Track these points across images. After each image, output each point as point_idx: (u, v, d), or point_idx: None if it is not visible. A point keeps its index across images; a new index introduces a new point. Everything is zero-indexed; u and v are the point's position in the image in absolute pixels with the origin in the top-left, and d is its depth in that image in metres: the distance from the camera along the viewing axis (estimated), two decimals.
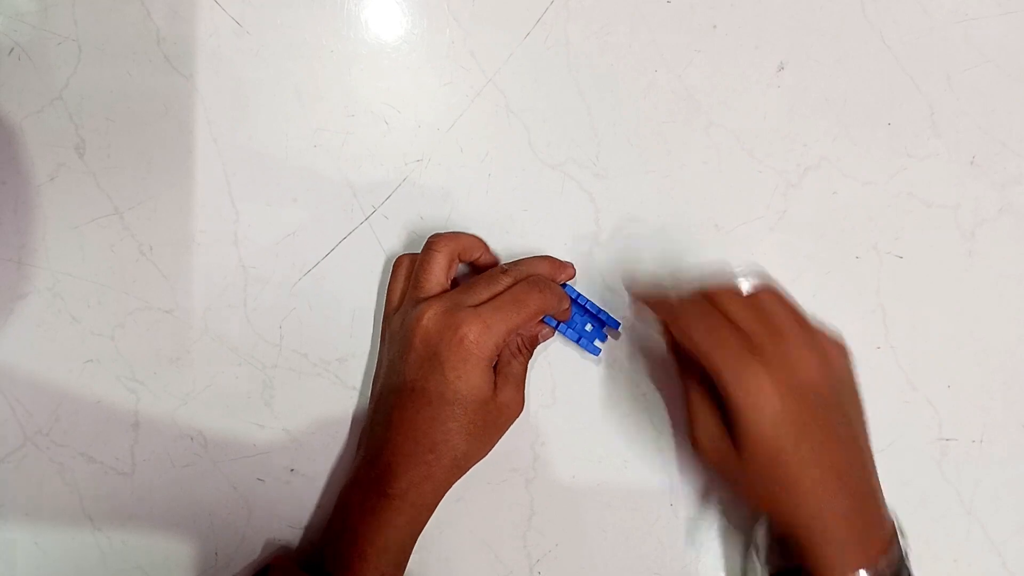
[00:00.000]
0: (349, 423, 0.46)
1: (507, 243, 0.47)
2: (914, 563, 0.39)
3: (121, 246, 0.46)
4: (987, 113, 0.49)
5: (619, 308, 0.47)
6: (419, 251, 0.44)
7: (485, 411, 0.41)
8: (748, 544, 0.43)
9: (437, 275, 0.43)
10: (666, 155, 0.48)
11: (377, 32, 0.48)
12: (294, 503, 0.46)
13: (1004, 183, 0.49)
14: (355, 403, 0.46)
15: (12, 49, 0.47)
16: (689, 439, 0.40)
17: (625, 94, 0.48)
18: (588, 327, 0.46)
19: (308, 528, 0.46)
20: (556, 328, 0.45)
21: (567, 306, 0.44)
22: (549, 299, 0.42)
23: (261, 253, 0.47)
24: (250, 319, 0.46)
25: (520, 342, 0.44)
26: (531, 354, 0.44)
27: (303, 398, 0.46)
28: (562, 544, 0.46)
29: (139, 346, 0.46)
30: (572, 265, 0.46)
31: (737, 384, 0.35)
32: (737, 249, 0.48)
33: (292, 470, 0.46)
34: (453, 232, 0.45)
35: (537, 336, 0.45)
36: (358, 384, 0.46)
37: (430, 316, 0.40)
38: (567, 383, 0.47)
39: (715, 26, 0.49)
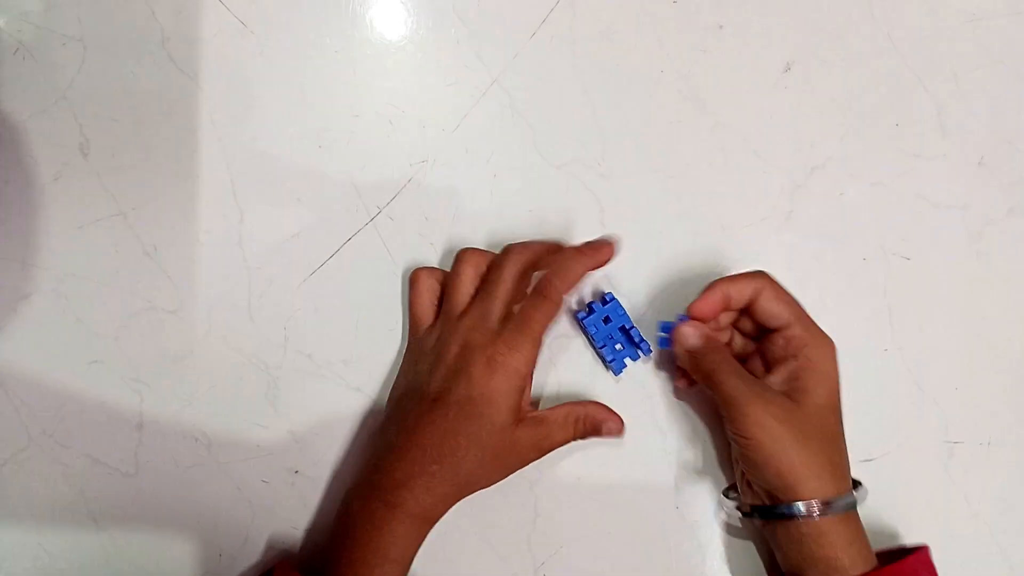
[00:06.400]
0: (353, 425, 0.46)
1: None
2: None
3: (125, 246, 0.46)
4: (995, 114, 0.48)
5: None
6: (425, 264, 0.46)
7: (500, 438, 0.40)
8: (719, 505, 0.46)
9: (468, 289, 0.43)
10: (672, 155, 0.48)
11: (382, 32, 0.48)
12: (298, 504, 0.46)
13: (1012, 184, 0.48)
14: (360, 404, 0.46)
15: (16, 49, 0.47)
16: (736, 404, 0.40)
17: (631, 94, 0.48)
18: (619, 347, 0.46)
19: (311, 530, 0.45)
20: (593, 337, 0.45)
21: (570, 288, 0.42)
22: (550, 311, 0.41)
23: (266, 254, 0.46)
24: (255, 320, 0.46)
25: (583, 425, 0.43)
26: (581, 438, 0.43)
27: (308, 399, 0.46)
28: (567, 546, 0.46)
29: (143, 347, 0.46)
30: (609, 244, 0.43)
31: (819, 340, 0.41)
32: (743, 250, 0.47)
33: (296, 471, 0.46)
34: (481, 249, 0.45)
35: (600, 428, 0.43)
36: (363, 385, 0.46)
37: (464, 334, 0.41)
38: (571, 384, 0.47)
39: (721, 26, 0.48)
